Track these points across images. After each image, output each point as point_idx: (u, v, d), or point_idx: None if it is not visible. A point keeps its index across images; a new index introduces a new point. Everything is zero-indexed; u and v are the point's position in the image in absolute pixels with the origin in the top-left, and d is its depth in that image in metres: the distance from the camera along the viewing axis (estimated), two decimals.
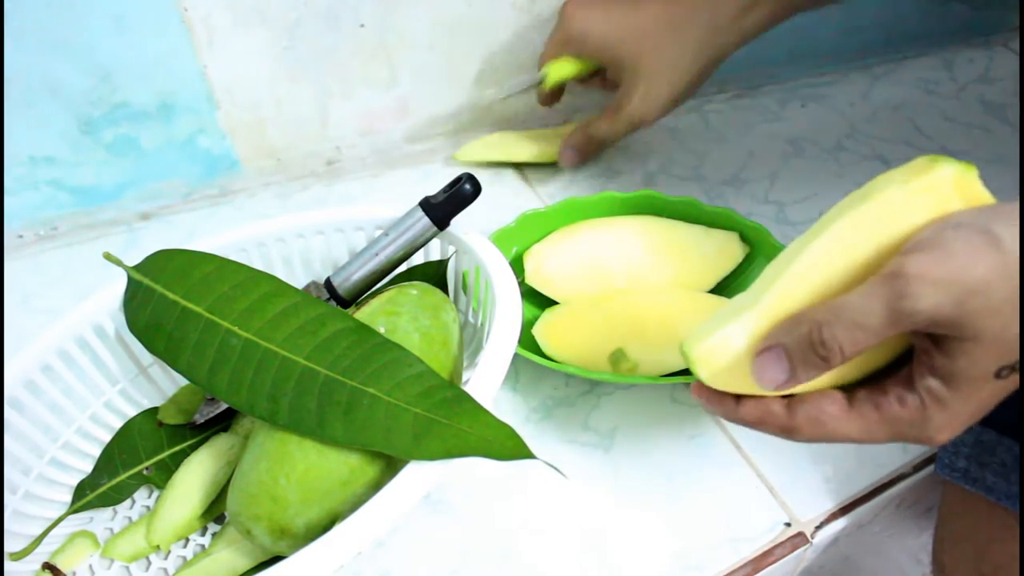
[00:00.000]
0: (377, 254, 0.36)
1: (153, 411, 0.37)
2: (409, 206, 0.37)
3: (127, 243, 0.51)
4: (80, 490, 0.34)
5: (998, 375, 0.24)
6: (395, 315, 0.32)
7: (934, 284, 0.22)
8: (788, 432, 0.27)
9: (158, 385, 0.38)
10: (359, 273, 0.36)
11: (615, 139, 0.54)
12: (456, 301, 0.41)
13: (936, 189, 0.25)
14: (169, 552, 0.34)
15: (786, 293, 0.26)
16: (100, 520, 0.35)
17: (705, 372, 0.27)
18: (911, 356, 0.26)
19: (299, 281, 0.40)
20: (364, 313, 0.33)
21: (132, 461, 0.35)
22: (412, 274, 0.40)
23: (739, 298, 0.28)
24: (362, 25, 0.50)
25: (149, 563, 0.34)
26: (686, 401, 0.42)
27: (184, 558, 0.34)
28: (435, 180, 0.58)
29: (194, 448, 0.36)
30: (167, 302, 0.31)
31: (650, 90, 0.48)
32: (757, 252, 0.47)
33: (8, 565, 0.31)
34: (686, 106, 0.53)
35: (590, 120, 0.53)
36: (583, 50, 0.49)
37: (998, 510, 0.36)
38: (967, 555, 0.38)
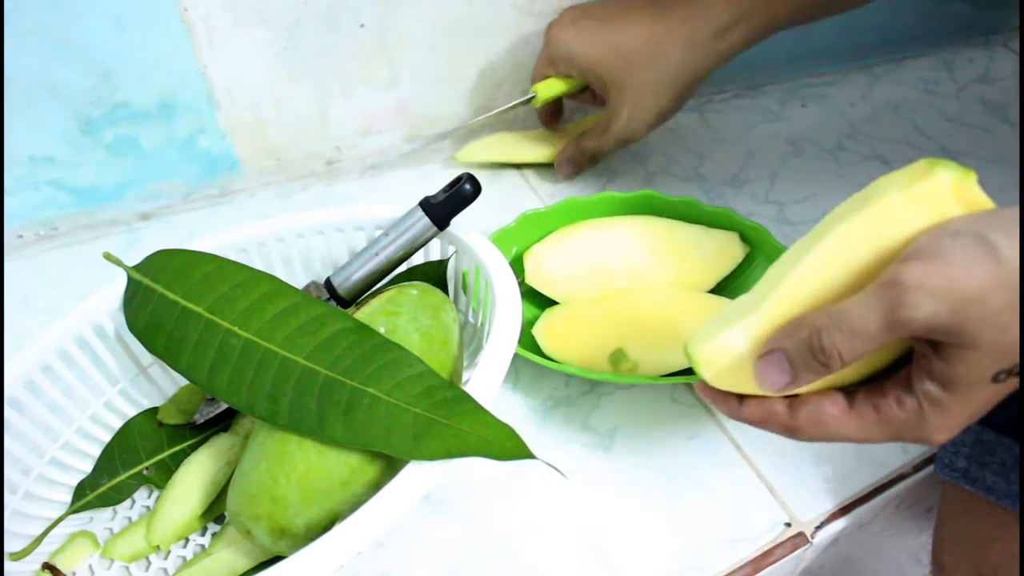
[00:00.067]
0: (377, 254, 0.36)
1: (153, 411, 0.37)
2: (409, 206, 0.37)
3: (127, 243, 0.51)
4: (80, 490, 0.34)
5: (995, 379, 0.24)
6: (395, 315, 0.32)
7: (930, 293, 0.23)
8: (790, 431, 0.28)
9: (158, 385, 0.38)
10: (359, 273, 0.36)
11: (606, 154, 0.56)
12: (456, 301, 0.41)
13: (935, 195, 0.25)
14: (169, 552, 0.34)
15: (787, 297, 0.26)
16: (100, 520, 0.35)
17: (709, 373, 0.28)
18: (910, 357, 0.26)
19: (299, 281, 0.40)
20: (364, 313, 0.33)
21: (132, 461, 0.35)
22: (412, 274, 0.40)
23: (742, 299, 0.28)
24: (362, 25, 0.50)
25: (149, 563, 0.34)
26: (686, 401, 0.42)
27: (184, 558, 0.34)
28: (435, 180, 0.58)
29: (194, 448, 0.36)
30: (167, 302, 0.31)
31: (636, 110, 0.50)
32: (757, 252, 0.47)
33: (8, 565, 0.31)
34: (686, 106, 0.53)
35: (583, 134, 0.55)
36: (570, 70, 0.51)
37: (998, 510, 0.36)
38: (967, 555, 0.38)
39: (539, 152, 0.58)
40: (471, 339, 0.39)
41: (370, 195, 0.56)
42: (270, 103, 0.51)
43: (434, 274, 0.40)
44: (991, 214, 0.24)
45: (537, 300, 0.46)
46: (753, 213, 0.56)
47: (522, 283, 0.45)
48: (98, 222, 0.51)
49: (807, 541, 0.36)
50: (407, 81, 0.55)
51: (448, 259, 0.40)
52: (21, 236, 0.50)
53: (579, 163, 0.57)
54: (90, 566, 0.33)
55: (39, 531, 0.32)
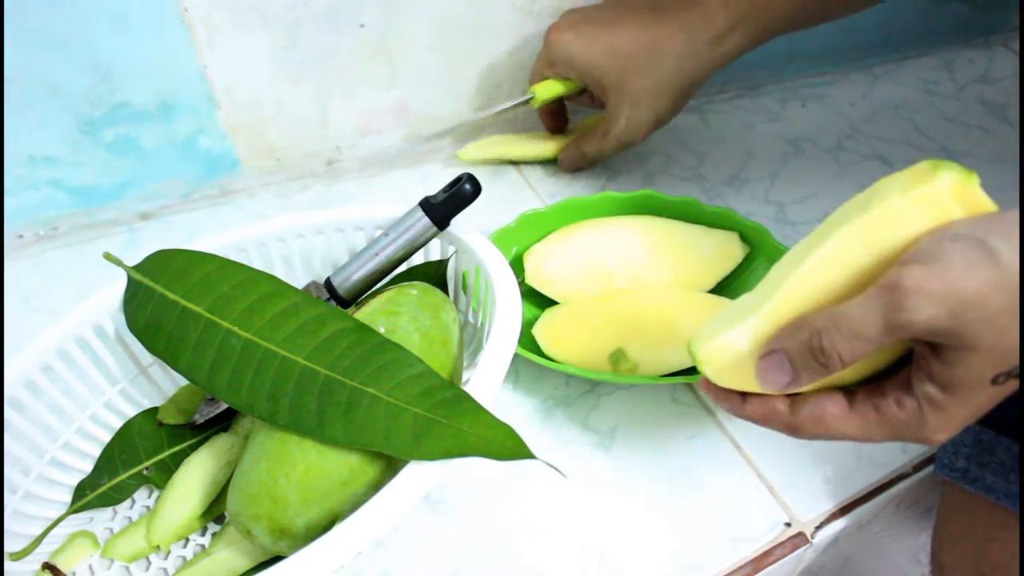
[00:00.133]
0: (377, 254, 0.36)
1: (153, 411, 0.37)
2: (409, 206, 0.37)
3: (127, 243, 0.51)
4: (80, 490, 0.34)
5: (994, 382, 0.24)
6: (395, 315, 0.32)
7: (930, 297, 0.23)
8: (791, 430, 0.28)
9: (158, 385, 0.38)
10: (359, 273, 0.36)
11: (606, 157, 0.56)
12: (456, 301, 0.41)
13: (936, 198, 0.25)
14: (169, 552, 0.34)
15: (789, 297, 0.27)
16: (100, 520, 0.35)
17: (711, 371, 0.28)
18: (911, 358, 0.26)
19: (299, 281, 0.40)
20: (364, 313, 0.33)
21: (132, 461, 0.35)
22: (412, 274, 0.40)
23: (744, 299, 0.29)
24: (362, 25, 0.50)
25: (149, 563, 0.34)
26: (686, 401, 0.42)
27: (184, 558, 0.34)
28: (435, 180, 0.58)
29: (194, 448, 0.36)
30: (167, 302, 0.31)
31: (634, 114, 0.51)
32: (757, 252, 0.47)
33: (8, 565, 0.31)
34: (686, 106, 0.53)
35: (582, 137, 0.55)
36: (568, 73, 0.51)
37: (997, 510, 0.36)
38: (966, 555, 0.38)
39: (540, 149, 0.58)
40: (471, 339, 0.39)
41: (370, 195, 0.56)
42: (270, 103, 0.51)
43: (434, 274, 0.40)
44: (992, 217, 0.24)
45: (537, 300, 0.46)
46: (753, 213, 0.56)
47: (522, 283, 0.45)
48: (98, 222, 0.51)
49: (807, 541, 0.36)
50: (407, 81, 0.55)
51: (448, 259, 0.40)
52: (21, 236, 0.50)
53: (579, 165, 0.58)
54: (90, 566, 0.33)
55: (39, 531, 0.32)
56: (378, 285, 0.38)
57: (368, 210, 0.40)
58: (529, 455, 0.26)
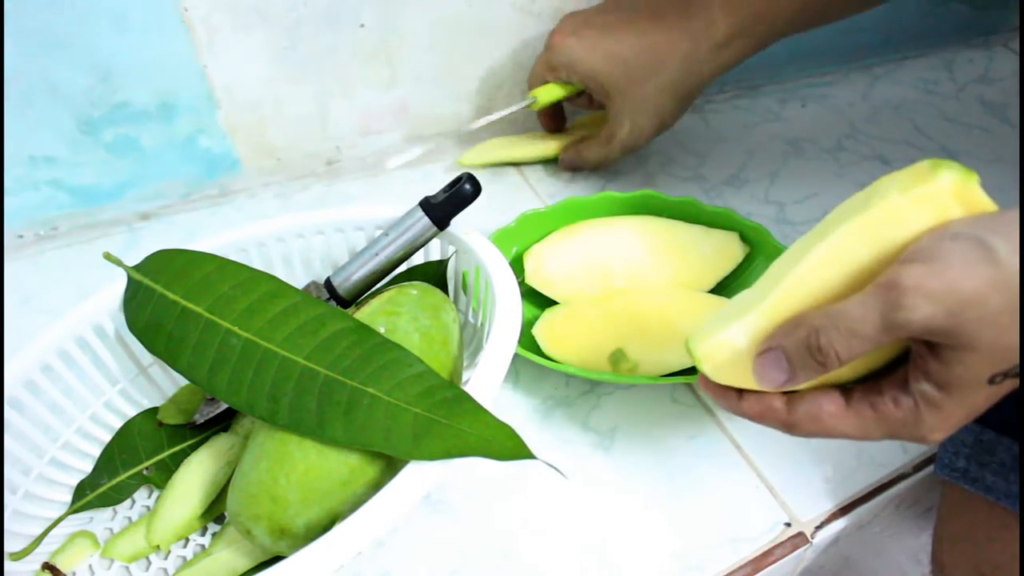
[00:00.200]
0: (377, 254, 0.36)
1: (153, 411, 0.37)
2: (409, 206, 0.37)
3: (127, 243, 0.51)
4: (80, 490, 0.34)
5: (991, 381, 0.24)
6: (395, 315, 0.32)
7: (928, 296, 0.23)
8: (787, 427, 0.28)
9: (158, 385, 0.38)
10: (359, 273, 0.36)
11: (609, 163, 0.56)
12: (456, 301, 0.41)
13: (936, 198, 0.25)
14: (169, 552, 0.34)
15: (788, 295, 0.27)
16: (100, 520, 0.35)
17: (709, 368, 0.28)
18: (908, 356, 0.26)
19: (299, 281, 0.40)
20: (364, 313, 0.33)
21: (132, 461, 0.35)
22: (412, 274, 0.40)
23: (743, 296, 0.29)
24: (362, 25, 0.50)
25: (149, 563, 0.34)
26: (686, 401, 0.42)
27: (184, 558, 0.34)
28: (435, 180, 0.58)
29: (194, 448, 0.36)
30: (167, 302, 0.31)
31: (637, 121, 0.51)
32: (757, 252, 0.47)
33: (8, 565, 0.31)
34: None
35: (584, 142, 0.55)
36: (570, 78, 0.51)
37: (997, 510, 0.36)
38: (967, 555, 0.38)
39: (540, 149, 0.58)
40: (471, 339, 0.39)
41: (370, 195, 0.56)
42: (270, 103, 0.51)
43: (434, 274, 0.40)
44: (991, 217, 0.24)
45: (537, 300, 0.46)
46: (753, 213, 0.56)
47: (522, 283, 0.45)
48: (98, 222, 0.51)
49: (807, 541, 0.36)
50: (407, 81, 0.55)
51: (448, 259, 0.40)
52: (21, 236, 0.50)
53: (579, 167, 0.58)
54: (90, 566, 0.33)
55: (39, 531, 0.32)
56: (378, 285, 0.38)
57: (368, 210, 0.40)
58: (529, 455, 0.26)
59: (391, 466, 0.29)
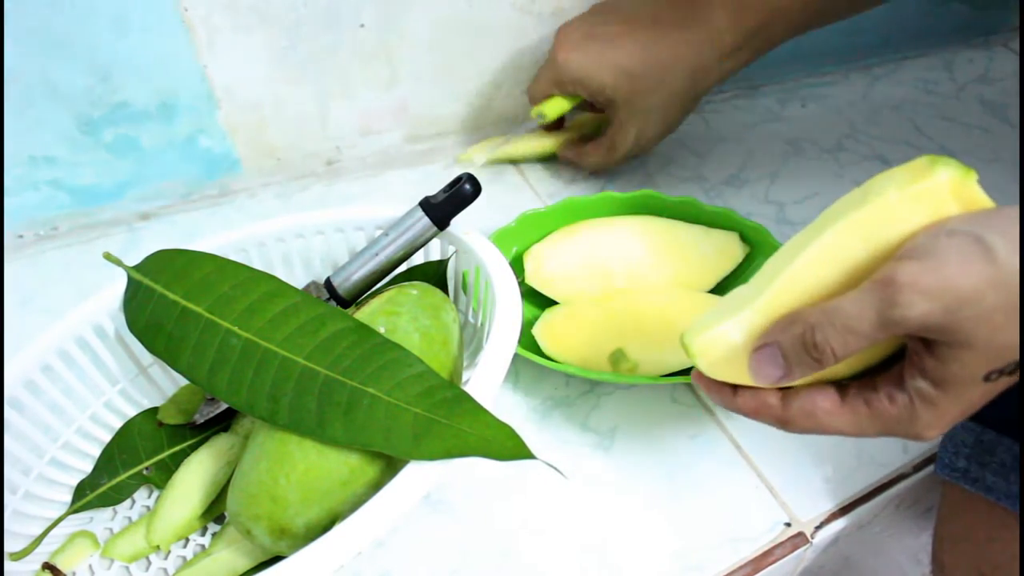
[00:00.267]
0: (377, 254, 0.36)
1: (153, 411, 0.37)
2: (409, 206, 0.37)
3: (127, 243, 0.51)
4: (80, 490, 0.34)
5: (987, 379, 0.24)
6: (395, 315, 0.32)
7: (924, 293, 0.23)
8: (782, 423, 0.28)
9: (158, 385, 0.38)
10: (359, 273, 0.36)
11: (608, 167, 0.57)
12: (456, 301, 0.41)
13: (933, 194, 0.25)
14: (169, 552, 0.34)
15: (784, 291, 0.27)
16: (100, 520, 0.35)
17: (704, 363, 0.28)
18: (904, 353, 0.26)
19: (299, 281, 0.40)
20: (364, 313, 0.33)
21: (132, 461, 0.35)
22: (412, 274, 0.40)
23: (739, 291, 0.29)
24: (362, 25, 0.50)
25: (149, 563, 0.34)
26: (686, 401, 0.42)
27: (184, 558, 0.34)
28: (435, 180, 0.58)
29: (194, 448, 0.36)
30: (167, 302, 0.31)
31: (643, 130, 0.52)
32: (757, 252, 0.47)
33: (8, 565, 0.31)
34: None
35: (587, 148, 0.55)
36: (578, 92, 0.51)
37: (998, 510, 0.36)
38: (967, 555, 0.38)
39: (540, 145, 0.58)
40: (471, 339, 0.39)
41: (370, 195, 0.56)
42: (270, 103, 0.51)
43: (434, 274, 0.40)
44: (989, 214, 0.24)
45: (537, 300, 0.46)
46: (753, 213, 0.56)
47: (522, 283, 0.45)
48: (98, 222, 0.51)
49: (807, 541, 0.36)
50: (407, 81, 0.55)
51: (448, 259, 0.40)
52: (21, 236, 0.50)
53: (577, 166, 0.58)
54: (90, 566, 0.33)
55: (39, 531, 0.32)
56: (378, 285, 0.38)
57: (368, 210, 0.40)
58: (529, 455, 0.26)
59: (391, 466, 0.29)
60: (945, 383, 0.25)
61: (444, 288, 0.40)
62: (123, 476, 0.35)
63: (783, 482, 0.38)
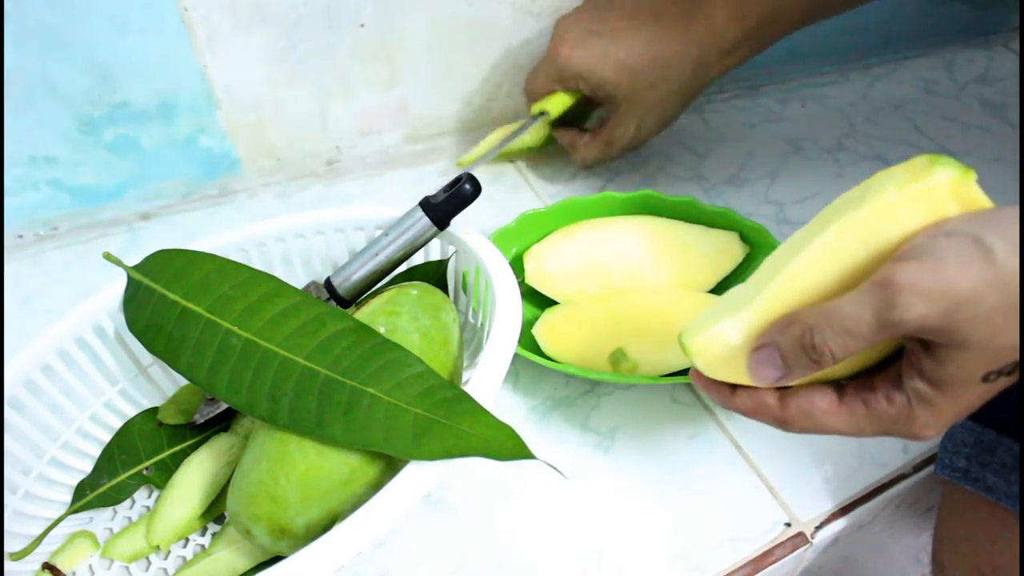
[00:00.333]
0: (377, 254, 0.36)
1: (153, 411, 0.37)
2: (409, 206, 0.37)
3: (127, 243, 0.51)
4: (80, 490, 0.34)
5: (985, 379, 0.24)
6: (395, 315, 0.32)
7: (923, 294, 0.23)
8: (780, 423, 0.28)
9: (158, 385, 0.38)
10: (359, 273, 0.36)
11: (604, 162, 0.56)
12: (456, 301, 0.41)
13: (932, 194, 0.25)
14: (169, 552, 0.34)
15: (782, 291, 0.27)
16: (100, 520, 0.35)
17: (702, 363, 0.28)
18: (902, 353, 0.26)
19: (299, 281, 0.40)
20: (364, 313, 0.33)
21: (132, 461, 0.35)
22: (412, 274, 0.40)
23: (737, 290, 0.29)
24: (362, 25, 0.50)
25: (149, 563, 0.34)
26: (686, 401, 0.42)
27: (184, 558, 0.34)
28: (435, 180, 0.58)
29: (194, 448, 0.36)
30: (167, 302, 0.31)
31: (642, 125, 0.52)
32: (757, 252, 0.47)
33: (8, 565, 0.31)
34: None
35: (583, 143, 0.55)
36: (578, 86, 0.51)
37: (998, 510, 0.36)
38: (967, 555, 0.38)
39: (535, 134, 0.57)
40: (471, 339, 0.39)
41: (370, 195, 0.56)
42: (270, 103, 0.51)
43: (434, 274, 0.40)
44: (988, 214, 0.24)
45: (537, 300, 0.46)
46: (753, 213, 0.56)
47: (522, 283, 0.45)
48: (98, 222, 0.51)
49: (807, 541, 0.36)
50: (407, 81, 0.55)
51: (448, 259, 0.40)
52: (21, 236, 0.50)
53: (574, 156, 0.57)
54: (90, 566, 0.33)
55: (39, 531, 0.32)
56: (378, 285, 0.38)
57: (368, 210, 0.40)
58: (529, 455, 0.26)
59: (391, 466, 0.29)
60: (943, 384, 0.25)
61: (444, 288, 0.40)
62: (123, 476, 0.35)
63: (783, 482, 0.38)
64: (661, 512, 0.37)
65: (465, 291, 0.40)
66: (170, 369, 0.34)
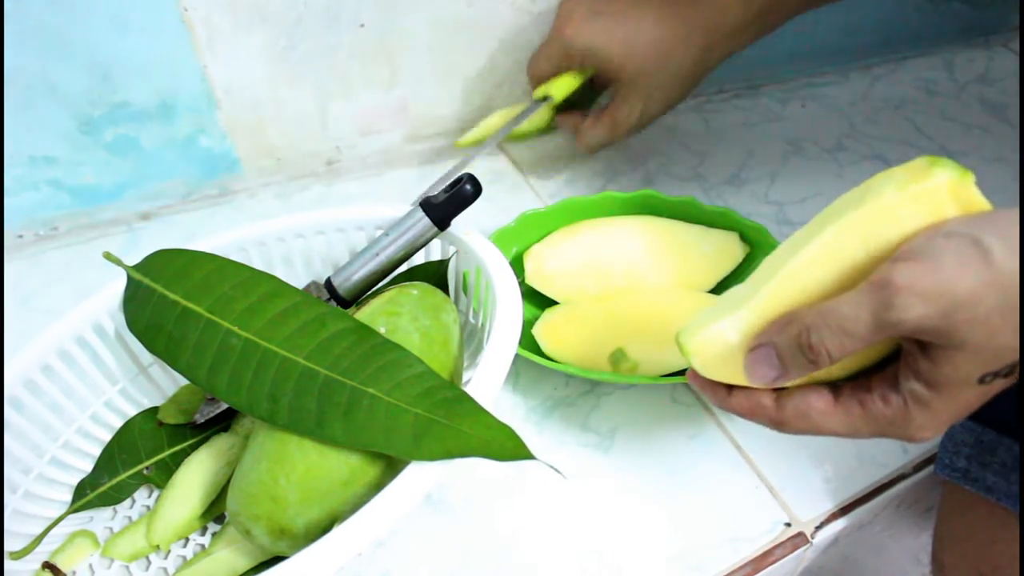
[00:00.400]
0: (377, 254, 0.36)
1: (153, 411, 0.37)
2: (407, 206, 0.37)
3: (127, 243, 0.51)
4: (80, 489, 0.34)
5: (981, 381, 0.24)
6: (395, 315, 0.32)
7: (920, 295, 0.23)
8: (776, 424, 0.28)
9: (158, 384, 0.38)
10: (359, 273, 0.36)
11: (609, 145, 0.55)
12: (456, 301, 0.41)
13: (931, 195, 0.25)
14: (169, 552, 0.34)
15: (780, 292, 0.27)
16: (100, 519, 0.35)
17: (699, 362, 0.28)
18: (898, 354, 0.26)
19: (300, 281, 0.40)
20: (364, 313, 0.33)
21: (132, 460, 0.35)
22: (413, 274, 0.40)
23: (735, 290, 0.29)
24: (362, 25, 0.50)
25: (149, 563, 0.34)
26: (686, 401, 0.42)
27: (184, 558, 0.34)
28: (435, 180, 0.58)
29: (194, 448, 0.36)
30: (167, 302, 0.31)
31: (648, 105, 0.51)
32: (757, 252, 0.47)
33: (8, 564, 0.31)
34: (686, 106, 0.53)
35: (586, 126, 0.54)
36: (583, 65, 0.51)
37: (998, 510, 0.36)
38: (967, 555, 0.38)
39: (536, 117, 0.54)
40: (472, 339, 0.39)
41: (370, 195, 0.56)
42: (270, 103, 0.51)
43: (434, 274, 0.40)
44: (987, 216, 0.24)
45: (537, 300, 0.46)
46: (753, 213, 0.56)
47: (522, 283, 0.45)
48: (98, 222, 0.51)
49: (807, 541, 0.36)
50: (407, 81, 0.55)
51: (449, 259, 0.40)
52: (21, 236, 0.50)
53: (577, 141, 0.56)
54: (90, 565, 0.33)
55: (39, 530, 0.32)
56: (379, 285, 0.38)
57: (368, 210, 0.40)
58: (529, 456, 0.26)
59: (391, 467, 0.29)
60: (939, 385, 0.25)
61: (445, 288, 0.40)
62: (123, 475, 0.35)
63: (783, 482, 0.38)
64: (661, 512, 0.37)
65: (465, 291, 0.40)
66: (170, 368, 0.34)
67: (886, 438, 0.27)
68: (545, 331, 0.42)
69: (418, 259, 0.40)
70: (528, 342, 0.42)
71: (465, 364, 0.37)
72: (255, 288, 0.31)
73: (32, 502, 0.33)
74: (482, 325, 0.37)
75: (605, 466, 0.39)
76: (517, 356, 0.40)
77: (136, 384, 0.37)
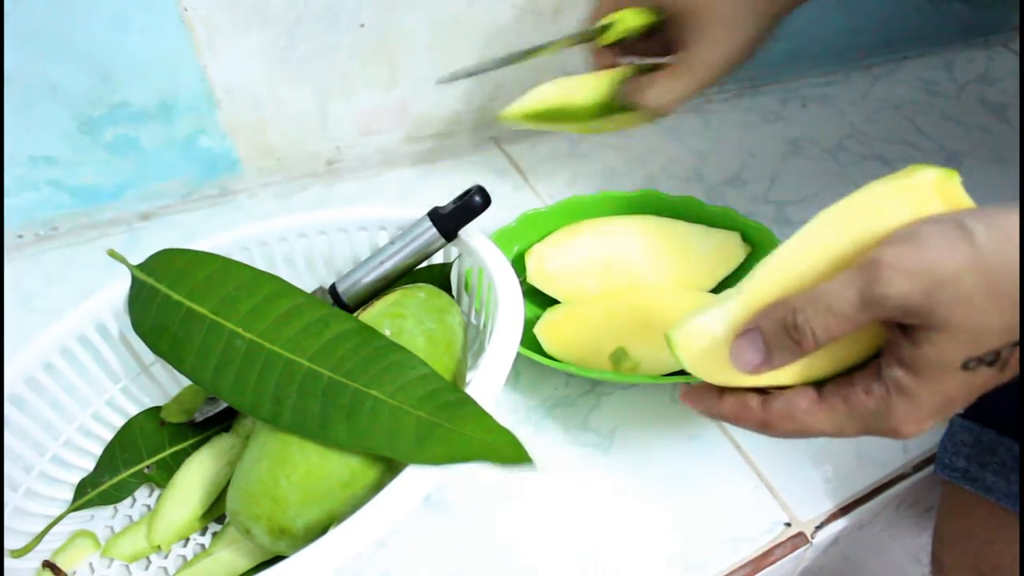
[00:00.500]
0: (383, 262, 0.36)
1: (155, 410, 0.37)
2: (409, 206, 0.37)
3: (127, 243, 0.51)
4: (81, 488, 0.34)
5: (965, 366, 0.24)
6: (401, 317, 0.32)
7: (905, 272, 0.23)
8: (763, 426, 0.28)
9: (160, 383, 0.38)
10: (364, 281, 0.36)
11: (684, 101, 0.45)
12: (459, 301, 0.41)
13: (917, 189, 0.26)
14: (169, 552, 0.34)
15: (766, 282, 0.27)
16: (101, 518, 0.35)
17: (686, 357, 0.28)
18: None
19: (301, 281, 0.40)
20: (369, 315, 0.33)
21: (134, 459, 0.35)
22: (416, 276, 0.40)
23: (726, 292, 0.29)
24: (362, 25, 0.50)
25: (149, 563, 0.34)
26: None
27: (184, 558, 0.34)
28: (435, 180, 0.58)
29: (195, 448, 0.36)
30: (171, 303, 0.31)
31: (720, 42, 0.43)
32: (758, 252, 0.47)
33: (8, 563, 0.31)
34: (686, 106, 0.53)
35: (651, 81, 0.44)
36: (649, 2, 0.44)
37: (998, 510, 0.36)
38: (967, 555, 0.38)
39: (593, 91, 0.45)
40: (473, 340, 0.39)
41: (370, 195, 0.56)
42: (270, 103, 0.51)
43: (438, 276, 0.40)
44: (973, 209, 0.25)
45: (538, 299, 0.46)
46: (753, 213, 0.56)
47: (523, 282, 0.45)
48: (98, 222, 0.51)
49: (807, 541, 0.37)
50: (407, 81, 0.55)
51: (452, 262, 0.40)
52: (21, 236, 0.50)
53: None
54: (90, 564, 0.33)
55: (40, 529, 0.32)
56: None
57: (371, 210, 0.40)
58: (529, 461, 0.26)
59: (391, 468, 0.29)
60: (921, 369, 0.24)
61: (448, 290, 0.40)
62: (124, 474, 0.35)
63: (783, 482, 0.38)
64: (661, 512, 0.37)
65: (468, 291, 0.40)
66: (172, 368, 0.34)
67: (870, 435, 0.27)
68: (546, 330, 0.42)
69: None
70: (529, 341, 0.42)
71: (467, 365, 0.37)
72: (259, 289, 0.31)
73: (33, 500, 0.33)
74: (484, 326, 0.37)
75: (605, 466, 0.39)
76: (518, 355, 0.40)
77: (138, 383, 0.37)
